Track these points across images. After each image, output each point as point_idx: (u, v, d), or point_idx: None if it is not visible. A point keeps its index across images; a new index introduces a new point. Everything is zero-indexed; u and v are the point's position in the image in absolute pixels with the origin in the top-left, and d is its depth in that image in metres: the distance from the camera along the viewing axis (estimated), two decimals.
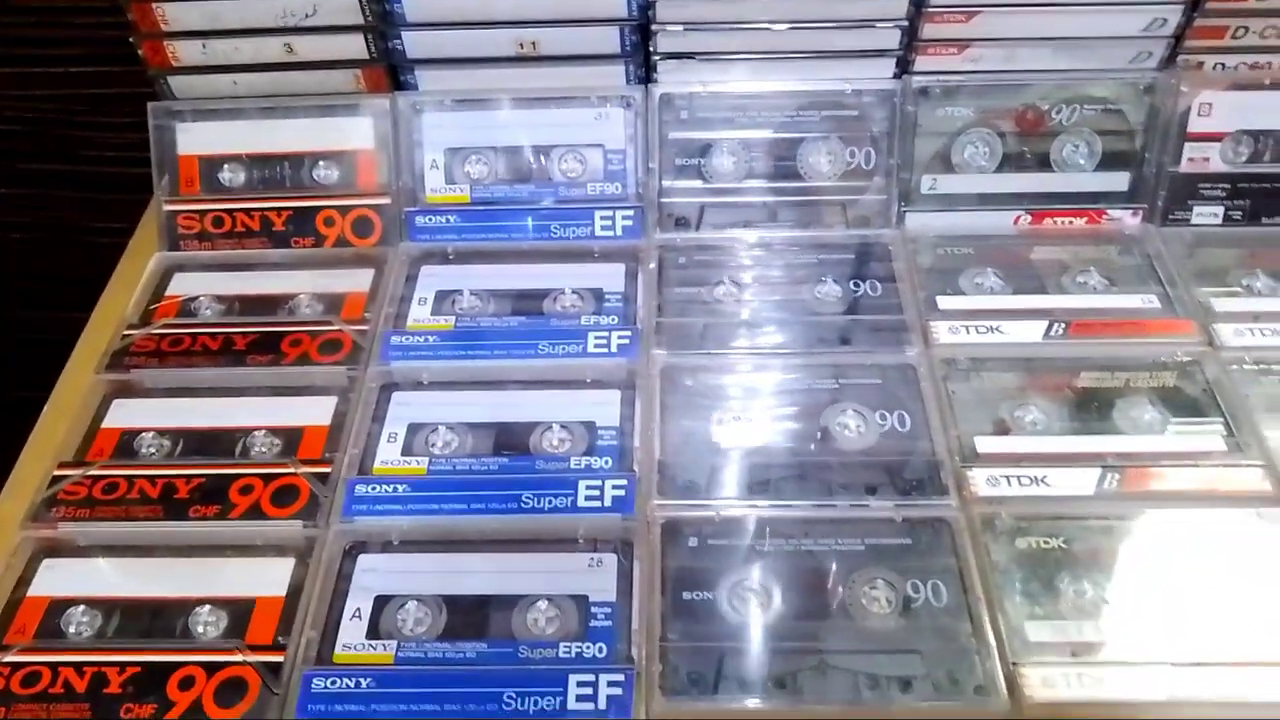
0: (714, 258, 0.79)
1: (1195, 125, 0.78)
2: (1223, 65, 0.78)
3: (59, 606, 0.60)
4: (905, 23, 0.76)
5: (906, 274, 0.76)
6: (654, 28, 0.76)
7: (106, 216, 1.12)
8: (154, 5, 0.77)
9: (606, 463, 0.65)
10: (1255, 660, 0.55)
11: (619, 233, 0.79)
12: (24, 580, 0.61)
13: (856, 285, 0.76)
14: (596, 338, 0.72)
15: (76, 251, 1.16)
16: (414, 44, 0.78)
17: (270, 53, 0.79)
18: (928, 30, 0.76)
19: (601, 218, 0.79)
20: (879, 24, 0.76)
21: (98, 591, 0.60)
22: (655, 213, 0.80)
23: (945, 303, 0.74)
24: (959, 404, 0.68)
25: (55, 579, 0.61)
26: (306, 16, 0.77)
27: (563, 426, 0.67)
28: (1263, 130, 0.78)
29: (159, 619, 0.59)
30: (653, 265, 0.77)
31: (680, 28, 0.77)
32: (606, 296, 0.75)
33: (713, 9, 0.76)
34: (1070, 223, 0.80)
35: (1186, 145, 0.78)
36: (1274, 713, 0.54)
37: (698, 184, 0.81)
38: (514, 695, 0.54)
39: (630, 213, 0.79)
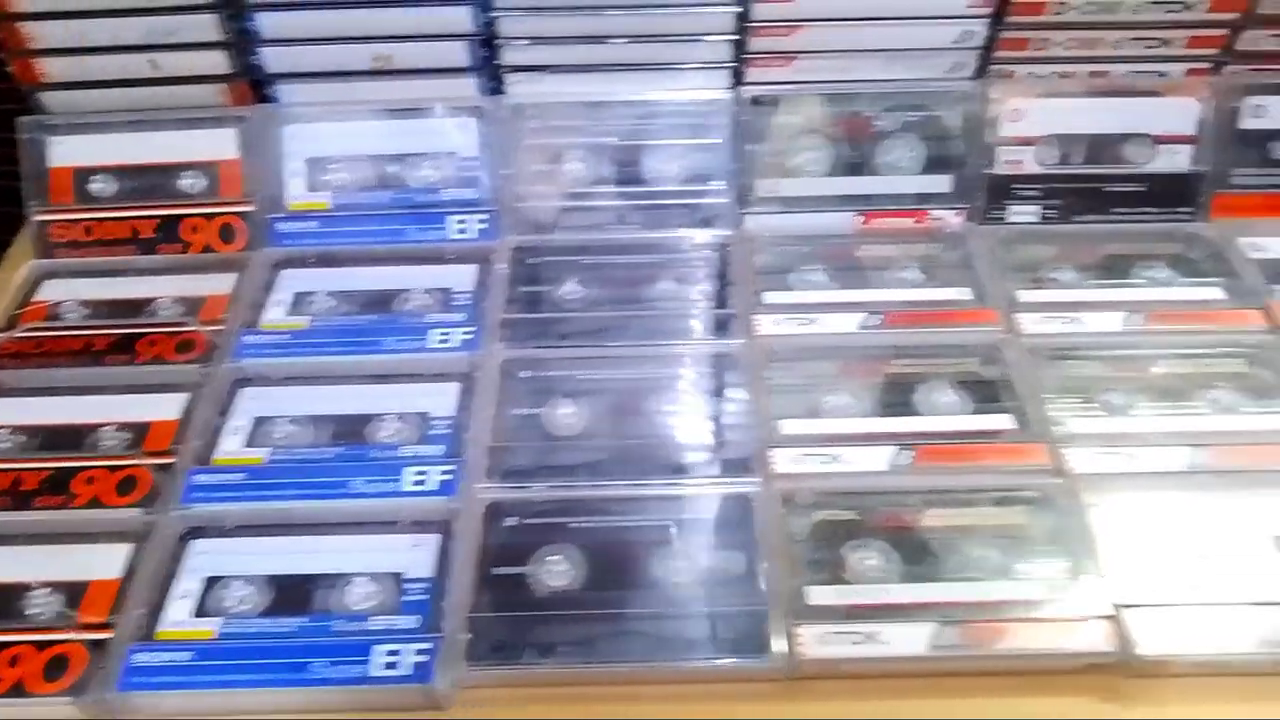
0: (564, 259, 0.83)
1: (1007, 130, 0.83)
2: (1034, 74, 0.84)
3: None
4: (734, 36, 0.81)
5: (742, 272, 0.81)
6: (498, 42, 0.81)
7: None
8: (20, 24, 0.80)
9: (438, 450, 0.69)
10: (1011, 617, 0.60)
11: (475, 236, 0.84)
12: None
13: (694, 283, 0.81)
14: (440, 334, 0.76)
15: None
16: (273, 59, 0.82)
17: (136, 69, 0.82)
18: (755, 43, 0.81)
19: (456, 222, 0.84)
20: (708, 38, 0.81)
21: None
22: (511, 217, 0.84)
23: (771, 297, 0.79)
24: (776, 391, 0.73)
25: None
26: (169, 34, 0.80)
27: (398, 417, 0.71)
28: (1071, 134, 0.83)
29: None
30: (502, 266, 0.82)
31: (525, 41, 0.81)
32: (455, 295, 0.80)
33: (551, 24, 0.80)
34: (899, 222, 0.85)
35: (1001, 149, 0.83)
36: (1023, 664, 0.59)
37: (551, 189, 0.85)
38: (322, 664, 0.58)
39: (484, 217, 0.84)
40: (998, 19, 0.80)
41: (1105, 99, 0.83)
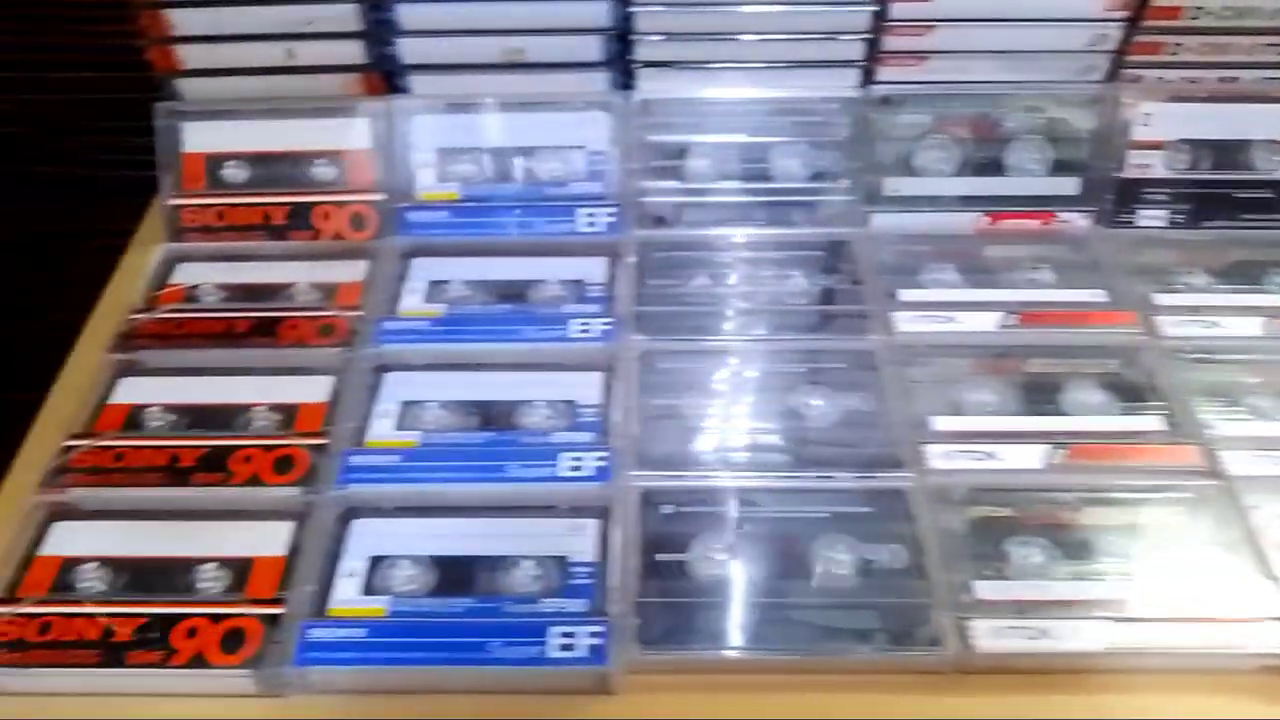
0: (690, 254, 0.83)
1: (1137, 134, 0.83)
2: (1163, 79, 0.84)
3: (70, 564, 0.63)
4: (868, 35, 0.81)
5: (869, 269, 0.81)
6: (633, 37, 0.82)
7: (95, 220, 1.15)
8: (162, 12, 0.81)
9: (588, 438, 0.69)
10: (1186, 616, 0.60)
11: (603, 229, 0.84)
12: (36, 541, 0.65)
13: (823, 280, 0.81)
14: (579, 324, 0.76)
15: (63, 256, 1.19)
16: (408, 50, 0.83)
17: (272, 58, 0.83)
18: (889, 42, 0.82)
19: (584, 215, 0.84)
20: (842, 36, 0.81)
21: (106, 551, 0.64)
22: (635, 211, 0.85)
23: (906, 295, 0.79)
24: (916, 387, 0.73)
25: (65, 540, 0.65)
26: (307, 24, 0.81)
27: (546, 404, 0.71)
28: (1200, 139, 0.84)
29: (164, 576, 0.63)
30: (632, 259, 0.82)
31: (659, 37, 0.82)
32: (588, 287, 0.80)
33: (689, 21, 0.81)
34: (1024, 224, 0.85)
35: (1130, 153, 0.83)
36: (1198, 662, 0.59)
37: (675, 184, 0.85)
38: (498, 644, 0.58)
39: (612, 211, 0.84)
40: (1132, 23, 0.80)
41: (1235, 104, 0.83)
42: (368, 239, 0.84)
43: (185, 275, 0.82)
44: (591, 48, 0.83)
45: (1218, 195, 0.84)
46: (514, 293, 0.80)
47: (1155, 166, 0.84)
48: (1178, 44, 0.82)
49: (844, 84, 0.84)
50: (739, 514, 0.65)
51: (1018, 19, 0.80)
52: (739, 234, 0.85)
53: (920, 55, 0.82)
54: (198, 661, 0.58)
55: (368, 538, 0.64)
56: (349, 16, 0.81)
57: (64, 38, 1.02)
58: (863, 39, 0.81)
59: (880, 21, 0.80)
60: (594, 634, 0.58)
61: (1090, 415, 0.71)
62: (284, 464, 0.67)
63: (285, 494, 0.66)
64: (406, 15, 0.81)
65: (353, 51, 0.83)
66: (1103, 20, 0.80)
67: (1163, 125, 0.83)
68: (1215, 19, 0.80)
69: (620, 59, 0.83)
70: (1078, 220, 0.85)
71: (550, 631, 0.58)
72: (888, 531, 0.65)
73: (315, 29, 0.81)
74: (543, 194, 0.85)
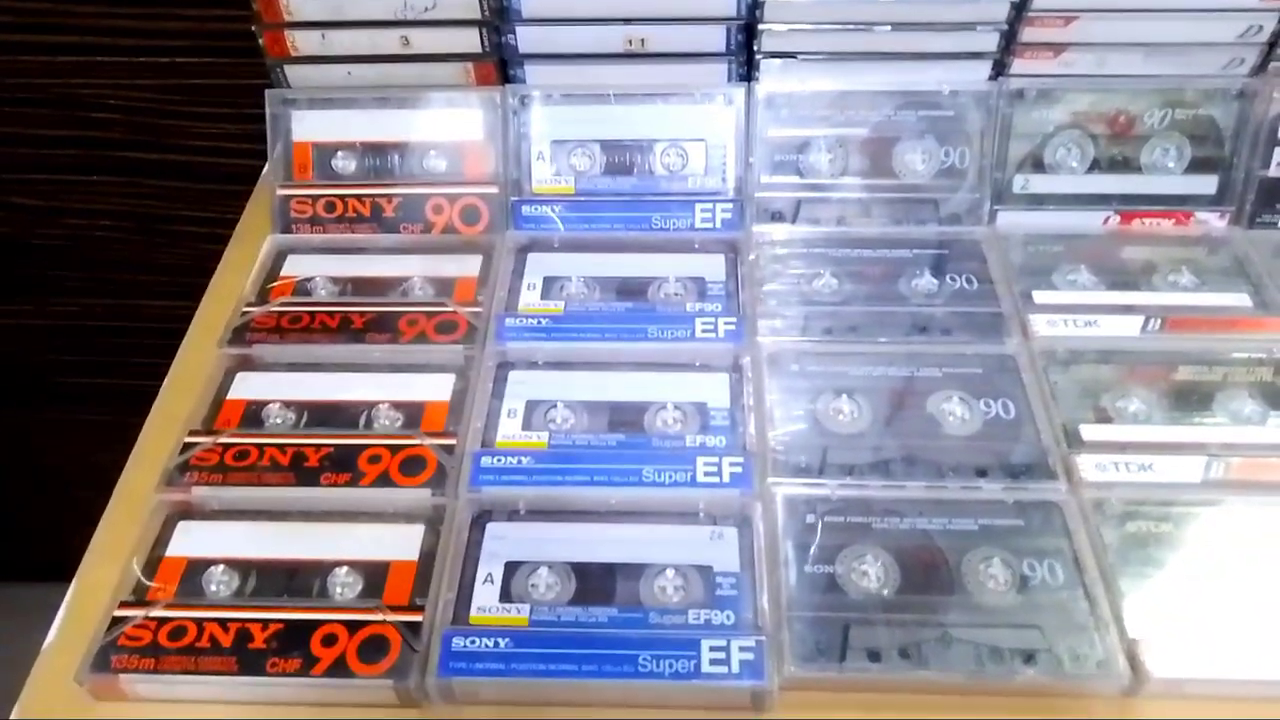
0: (810, 251, 0.81)
1: None
2: None
3: (198, 566, 0.62)
4: (1005, 26, 0.78)
5: (1000, 270, 0.78)
6: (760, 27, 0.79)
7: (191, 206, 1.15)
8: None
9: (720, 442, 0.67)
10: None
11: (718, 225, 0.82)
12: (160, 541, 0.63)
13: (952, 280, 0.78)
14: (704, 323, 0.74)
15: (159, 241, 1.19)
16: (526, 39, 0.81)
17: (387, 45, 0.81)
18: (1027, 34, 0.78)
19: (702, 210, 0.82)
20: (979, 27, 0.78)
21: (234, 553, 0.62)
22: (752, 207, 0.82)
23: (1041, 297, 0.76)
24: (1060, 394, 0.70)
25: (191, 541, 0.63)
26: (425, 10, 0.79)
27: (676, 406, 0.69)
28: None
29: (295, 580, 0.61)
30: (753, 257, 0.79)
31: (785, 28, 0.79)
32: (709, 285, 0.78)
33: (819, 10, 0.78)
34: (1158, 224, 0.82)
35: (1277, 150, 0.80)
36: None
37: (794, 179, 0.83)
38: (649, 658, 0.56)
39: (729, 206, 0.82)
40: None
41: None
42: (480, 233, 0.82)
43: (295, 267, 0.81)
44: (715, 37, 0.80)
45: None
46: (633, 290, 0.77)
47: None
48: None
49: (975, 76, 0.81)
50: (886, 525, 0.63)
51: (1167, 9, 0.76)
52: (859, 232, 0.82)
53: (1057, 47, 0.79)
54: (339, 670, 0.56)
55: (502, 543, 0.62)
56: (469, 4, 0.79)
57: (165, 22, 1.00)
58: (999, 30, 0.78)
59: (1020, 12, 0.77)
60: (745, 649, 0.56)
61: (1244, 426, 0.68)
62: (413, 465, 0.65)
63: (415, 496, 0.64)
64: (528, 3, 0.79)
65: (469, 40, 0.81)
66: (1257, 10, 0.76)
67: None
68: None
69: (743, 50, 0.81)
70: (1214, 221, 0.81)
71: (703, 645, 0.56)
72: (1042, 546, 0.62)
73: (433, 16, 0.79)
74: (659, 188, 0.83)
